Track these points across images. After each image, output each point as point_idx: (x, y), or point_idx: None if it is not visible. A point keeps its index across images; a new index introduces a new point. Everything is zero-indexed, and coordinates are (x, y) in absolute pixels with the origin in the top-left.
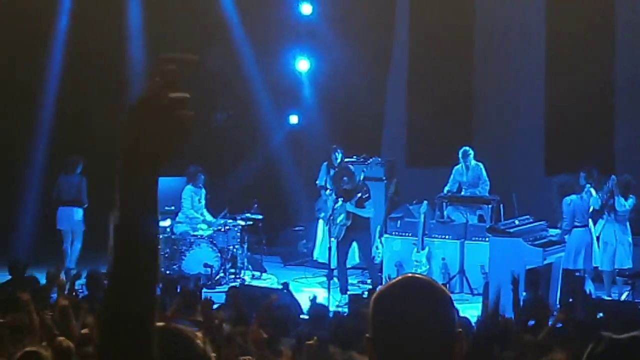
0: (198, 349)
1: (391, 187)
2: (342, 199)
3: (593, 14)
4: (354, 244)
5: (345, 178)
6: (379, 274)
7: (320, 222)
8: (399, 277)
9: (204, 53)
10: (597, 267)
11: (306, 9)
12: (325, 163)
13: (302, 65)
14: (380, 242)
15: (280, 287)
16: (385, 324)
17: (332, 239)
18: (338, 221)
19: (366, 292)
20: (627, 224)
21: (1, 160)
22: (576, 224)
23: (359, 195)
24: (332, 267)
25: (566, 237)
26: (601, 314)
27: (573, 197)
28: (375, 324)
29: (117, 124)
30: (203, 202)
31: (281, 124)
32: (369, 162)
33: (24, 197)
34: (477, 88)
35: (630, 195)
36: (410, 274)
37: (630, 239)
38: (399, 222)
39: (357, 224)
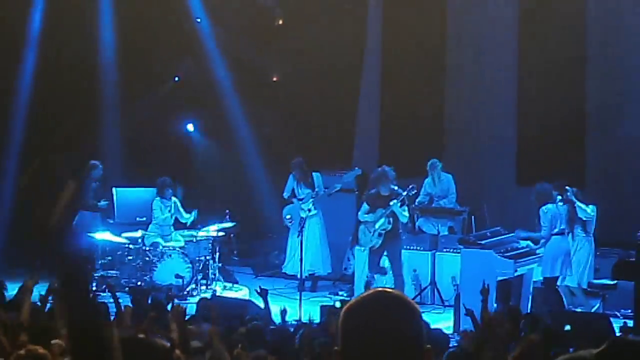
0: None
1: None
2: (380, 207)
3: (565, 24)
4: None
5: (380, 185)
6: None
7: (290, 233)
8: (369, 291)
9: (177, 62)
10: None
11: (278, 19)
12: (292, 174)
13: (274, 74)
14: (352, 254)
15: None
16: (353, 337)
17: (363, 249)
18: (377, 227)
19: (338, 303)
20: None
21: None
22: (554, 231)
23: (401, 196)
24: (303, 277)
25: (541, 248)
26: (568, 326)
27: (549, 206)
28: (344, 336)
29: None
30: (173, 211)
31: (253, 133)
32: (345, 174)
33: None
34: (449, 98)
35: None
36: (380, 288)
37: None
38: None
39: (394, 229)
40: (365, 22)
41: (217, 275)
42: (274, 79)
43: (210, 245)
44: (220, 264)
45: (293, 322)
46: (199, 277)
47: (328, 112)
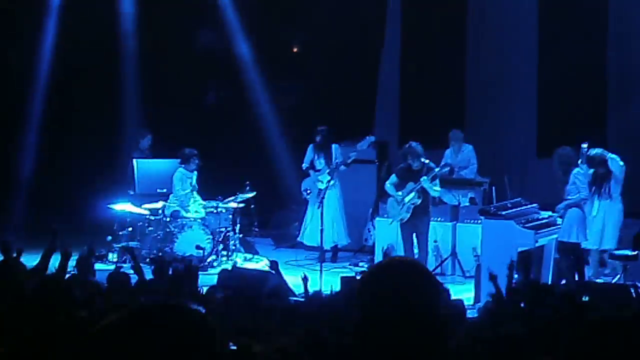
0: (208, 325)
1: (383, 170)
2: (410, 181)
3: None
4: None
5: (409, 160)
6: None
7: (310, 204)
8: (386, 260)
9: (195, 33)
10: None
11: None
12: (311, 145)
13: (295, 45)
14: (372, 225)
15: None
16: (371, 305)
17: (395, 221)
18: (407, 201)
19: (359, 275)
20: (620, 202)
21: None
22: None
23: (432, 172)
24: (325, 248)
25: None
26: (586, 297)
27: (578, 169)
28: (361, 305)
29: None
30: (195, 184)
31: (274, 104)
32: (359, 144)
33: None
34: (470, 70)
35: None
36: (397, 257)
37: (620, 218)
38: None
39: (424, 205)
40: None
41: (237, 246)
42: (294, 50)
43: (230, 216)
44: (240, 235)
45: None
46: (220, 248)
47: (348, 83)
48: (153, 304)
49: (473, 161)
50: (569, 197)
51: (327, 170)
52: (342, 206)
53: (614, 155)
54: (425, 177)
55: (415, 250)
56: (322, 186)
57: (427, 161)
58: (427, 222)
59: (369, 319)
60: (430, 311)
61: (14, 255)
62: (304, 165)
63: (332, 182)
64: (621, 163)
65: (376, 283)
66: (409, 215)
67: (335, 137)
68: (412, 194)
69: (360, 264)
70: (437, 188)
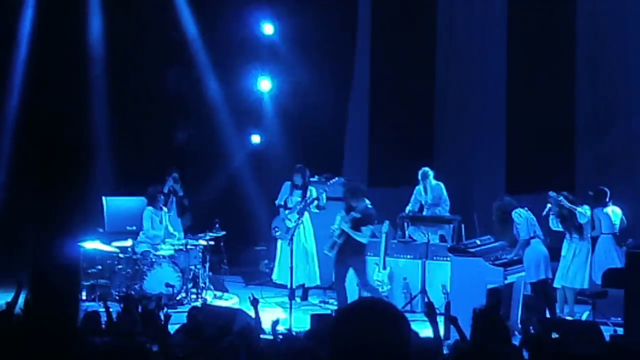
0: None
1: None
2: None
3: (553, 27)
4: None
5: (353, 200)
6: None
7: (279, 242)
8: (358, 300)
9: (164, 72)
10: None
11: (268, 28)
12: (288, 182)
13: (264, 84)
14: None
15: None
16: (342, 347)
17: (326, 252)
18: (333, 231)
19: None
20: (589, 241)
21: None
22: (530, 235)
23: (357, 216)
24: (294, 287)
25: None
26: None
27: (521, 210)
28: (333, 345)
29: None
30: (165, 222)
31: (243, 143)
32: (330, 182)
33: None
34: (438, 107)
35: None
36: (368, 297)
37: (589, 258)
38: None
39: (350, 245)
40: (355, 34)
41: (207, 284)
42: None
43: (200, 254)
44: (210, 273)
45: (284, 331)
46: (190, 286)
47: (317, 122)
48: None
49: (445, 198)
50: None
51: (297, 210)
52: (312, 245)
53: (581, 209)
54: (345, 222)
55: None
56: (290, 225)
57: (367, 207)
58: (360, 262)
59: (341, 358)
60: (402, 351)
61: None
62: (277, 202)
63: (300, 221)
64: (588, 214)
65: (348, 323)
66: (336, 251)
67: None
68: (337, 231)
69: (331, 301)
70: (365, 234)
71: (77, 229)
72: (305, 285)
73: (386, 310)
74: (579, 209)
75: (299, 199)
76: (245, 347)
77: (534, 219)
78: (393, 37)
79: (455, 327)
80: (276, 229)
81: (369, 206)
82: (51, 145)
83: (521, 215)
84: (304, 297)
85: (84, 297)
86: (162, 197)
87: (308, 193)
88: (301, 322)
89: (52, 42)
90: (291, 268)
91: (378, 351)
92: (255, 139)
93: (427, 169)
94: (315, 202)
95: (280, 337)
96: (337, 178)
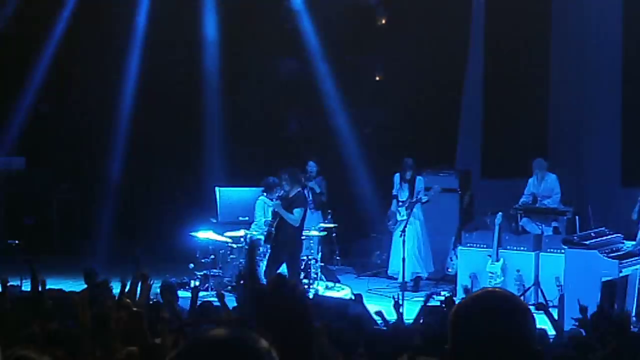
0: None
1: (465, 199)
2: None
3: None
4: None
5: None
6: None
7: (394, 235)
8: (480, 291)
9: (277, 61)
10: None
11: (381, 18)
12: (397, 174)
13: (377, 73)
14: (455, 254)
15: (352, 297)
16: (465, 339)
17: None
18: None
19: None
20: None
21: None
22: None
23: (287, 196)
24: (407, 279)
25: None
26: None
27: None
28: (454, 337)
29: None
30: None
31: (356, 134)
32: (441, 173)
33: (101, 206)
34: (554, 98)
35: None
36: (491, 288)
37: None
38: (473, 233)
39: (284, 235)
40: (469, 21)
41: (319, 274)
42: (377, 78)
43: (312, 244)
44: (322, 264)
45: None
46: (301, 277)
47: (431, 111)
48: (214, 337)
49: (557, 190)
50: None
51: (406, 205)
52: (424, 236)
53: None
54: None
55: None
56: (400, 218)
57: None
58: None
59: (462, 351)
60: (525, 343)
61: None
62: (394, 192)
63: (410, 216)
64: None
65: (470, 315)
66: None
67: (418, 166)
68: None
69: (443, 292)
70: (296, 216)
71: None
72: (419, 275)
73: (510, 302)
74: None
75: (407, 192)
76: (359, 336)
77: None
78: (507, 27)
79: (546, 315)
80: (390, 220)
81: (302, 192)
82: (167, 135)
83: None
84: (416, 289)
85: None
86: (279, 189)
87: (417, 184)
88: (412, 314)
89: (167, 34)
90: (403, 259)
91: (502, 343)
92: (368, 129)
93: (541, 159)
94: (424, 197)
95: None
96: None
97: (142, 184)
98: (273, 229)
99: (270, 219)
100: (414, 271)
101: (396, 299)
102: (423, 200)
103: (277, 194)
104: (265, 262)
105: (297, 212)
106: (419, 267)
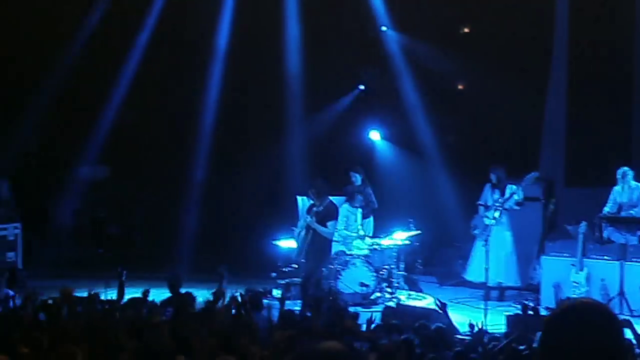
0: None
1: (549, 208)
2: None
3: None
4: None
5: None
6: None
7: (477, 241)
8: (573, 301)
9: (361, 70)
10: None
11: (463, 27)
12: (488, 184)
13: (459, 82)
14: (538, 263)
15: (435, 307)
16: (557, 349)
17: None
18: (298, 235)
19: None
20: None
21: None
22: None
23: (320, 209)
24: (490, 285)
25: None
26: None
27: None
28: (546, 348)
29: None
30: (359, 221)
31: (438, 142)
32: (526, 179)
33: (184, 215)
34: (638, 106)
35: None
36: (584, 298)
37: None
38: (557, 243)
39: (315, 247)
40: (552, 29)
41: (401, 284)
42: (460, 87)
43: (394, 253)
44: (404, 273)
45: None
46: (384, 286)
47: (513, 120)
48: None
49: None
50: None
51: (494, 207)
52: (511, 244)
53: None
54: (310, 216)
55: None
56: (488, 222)
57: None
58: (312, 261)
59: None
60: (617, 355)
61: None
62: (478, 202)
63: (499, 217)
64: None
65: (561, 325)
66: (300, 254)
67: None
68: (302, 232)
69: (526, 302)
70: (330, 229)
71: None
72: (503, 284)
73: (602, 312)
74: None
75: (498, 196)
76: (443, 345)
77: None
78: (591, 34)
79: (631, 330)
80: (475, 227)
81: (333, 201)
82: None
83: None
84: (501, 298)
85: (278, 295)
86: (360, 196)
87: (507, 191)
88: (496, 323)
89: (250, 41)
90: (486, 269)
91: (596, 355)
92: (450, 137)
93: (626, 168)
94: (514, 197)
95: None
96: (533, 172)
97: (226, 192)
98: (305, 245)
99: (354, 232)
100: (497, 280)
101: (441, 301)
102: (517, 199)
103: (357, 203)
104: (347, 271)
105: (331, 224)
106: (503, 277)
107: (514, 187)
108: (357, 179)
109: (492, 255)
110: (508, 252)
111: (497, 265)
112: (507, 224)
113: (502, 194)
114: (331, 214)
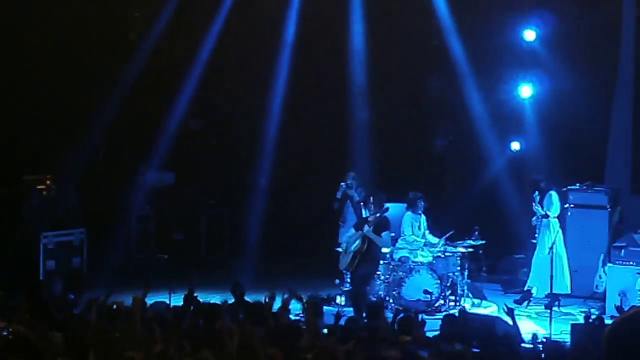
0: None
1: (615, 215)
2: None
3: None
4: None
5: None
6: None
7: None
8: (633, 311)
9: (426, 80)
10: None
11: (529, 35)
12: (536, 191)
13: (525, 91)
14: (604, 271)
15: (501, 314)
16: (618, 356)
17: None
18: (352, 248)
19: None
20: None
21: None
22: None
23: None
24: (554, 293)
25: None
26: None
27: None
28: (608, 355)
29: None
30: (423, 229)
31: (502, 150)
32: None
33: (249, 221)
34: None
35: None
36: None
37: None
38: (623, 251)
39: (368, 253)
40: (618, 37)
41: (465, 291)
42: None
43: (458, 261)
44: (468, 280)
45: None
46: (447, 293)
47: (579, 129)
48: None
49: None
50: None
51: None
52: (564, 253)
53: None
54: (367, 227)
55: None
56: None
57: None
58: (366, 270)
59: None
60: None
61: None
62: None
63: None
64: None
65: (627, 335)
66: (349, 260)
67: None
68: (357, 242)
69: (592, 311)
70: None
71: None
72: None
73: None
74: None
75: (539, 207)
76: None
77: None
78: None
79: None
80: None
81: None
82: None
83: None
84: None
85: (342, 302)
86: (423, 202)
87: (545, 204)
88: (560, 332)
89: (314, 46)
90: (551, 277)
91: None
92: (515, 145)
93: None
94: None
95: (541, 346)
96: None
97: (290, 199)
98: (359, 256)
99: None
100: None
101: (508, 306)
102: (547, 214)
103: (420, 210)
104: (411, 279)
105: (386, 234)
106: (558, 286)
107: (553, 194)
108: (352, 180)
109: (557, 263)
110: (564, 262)
111: (556, 275)
112: (560, 234)
113: (541, 202)
114: (386, 224)
